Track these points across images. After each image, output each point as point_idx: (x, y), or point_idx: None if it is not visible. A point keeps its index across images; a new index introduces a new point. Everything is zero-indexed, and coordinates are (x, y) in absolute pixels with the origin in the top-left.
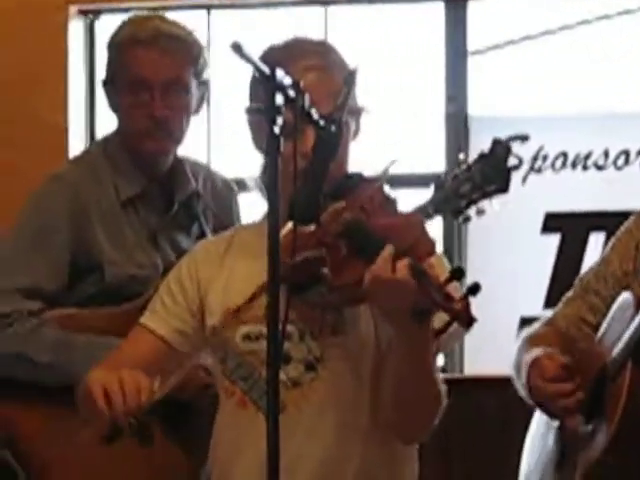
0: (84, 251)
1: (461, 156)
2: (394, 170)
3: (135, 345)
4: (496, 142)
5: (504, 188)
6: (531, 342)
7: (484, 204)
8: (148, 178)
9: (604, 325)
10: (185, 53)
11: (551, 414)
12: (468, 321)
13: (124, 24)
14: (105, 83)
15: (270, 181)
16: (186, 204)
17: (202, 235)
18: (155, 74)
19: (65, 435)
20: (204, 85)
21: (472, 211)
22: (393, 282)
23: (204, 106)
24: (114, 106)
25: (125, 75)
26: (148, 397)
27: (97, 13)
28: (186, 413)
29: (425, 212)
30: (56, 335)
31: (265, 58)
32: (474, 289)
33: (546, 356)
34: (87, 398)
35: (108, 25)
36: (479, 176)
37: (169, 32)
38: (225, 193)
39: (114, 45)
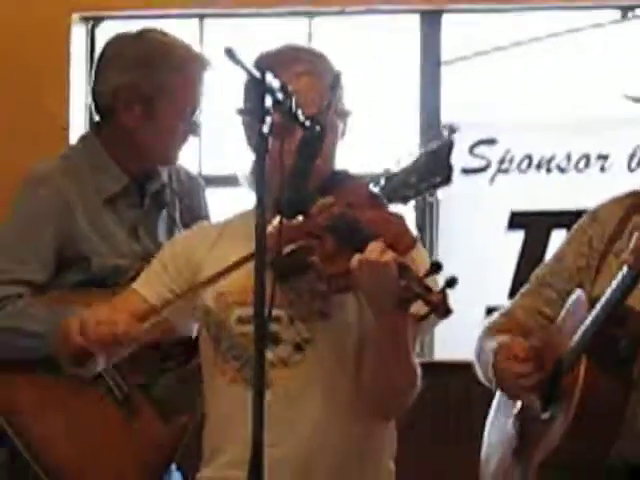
0: (71, 243)
1: (410, 152)
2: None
3: (124, 302)
4: (442, 141)
5: (447, 180)
6: (491, 332)
7: (430, 193)
8: (130, 177)
9: (560, 318)
10: None
11: (511, 394)
12: (445, 312)
13: (162, 45)
14: (143, 97)
15: (258, 177)
16: (156, 195)
17: (171, 222)
18: (200, 99)
19: (58, 404)
20: None
21: (419, 199)
22: (380, 265)
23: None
24: (151, 125)
25: (181, 101)
26: (125, 330)
27: (98, 19)
28: (167, 380)
29: None
30: (48, 309)
31: (258, 64)
32: (451, 282)
33: (512, 339)
34: (64, 331)
35: (108, 30)
36: (425, 169)
37: (202, 56)
38: (190, 185)
39: (170, 67)
